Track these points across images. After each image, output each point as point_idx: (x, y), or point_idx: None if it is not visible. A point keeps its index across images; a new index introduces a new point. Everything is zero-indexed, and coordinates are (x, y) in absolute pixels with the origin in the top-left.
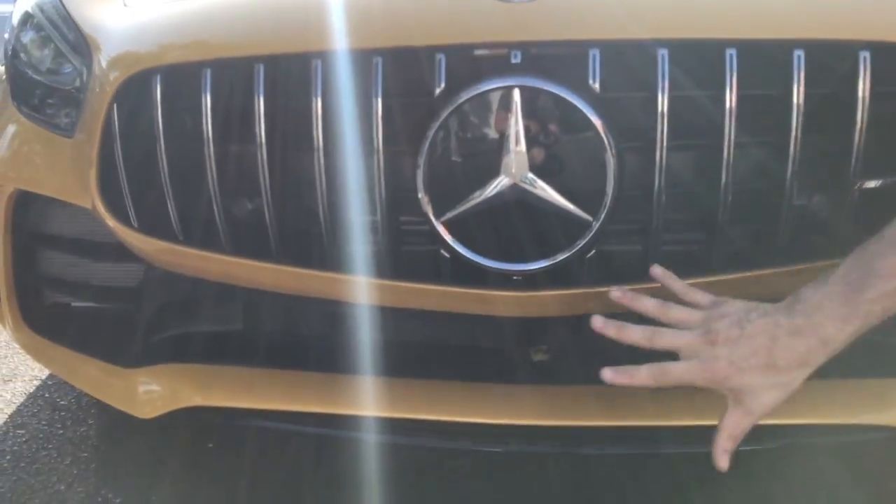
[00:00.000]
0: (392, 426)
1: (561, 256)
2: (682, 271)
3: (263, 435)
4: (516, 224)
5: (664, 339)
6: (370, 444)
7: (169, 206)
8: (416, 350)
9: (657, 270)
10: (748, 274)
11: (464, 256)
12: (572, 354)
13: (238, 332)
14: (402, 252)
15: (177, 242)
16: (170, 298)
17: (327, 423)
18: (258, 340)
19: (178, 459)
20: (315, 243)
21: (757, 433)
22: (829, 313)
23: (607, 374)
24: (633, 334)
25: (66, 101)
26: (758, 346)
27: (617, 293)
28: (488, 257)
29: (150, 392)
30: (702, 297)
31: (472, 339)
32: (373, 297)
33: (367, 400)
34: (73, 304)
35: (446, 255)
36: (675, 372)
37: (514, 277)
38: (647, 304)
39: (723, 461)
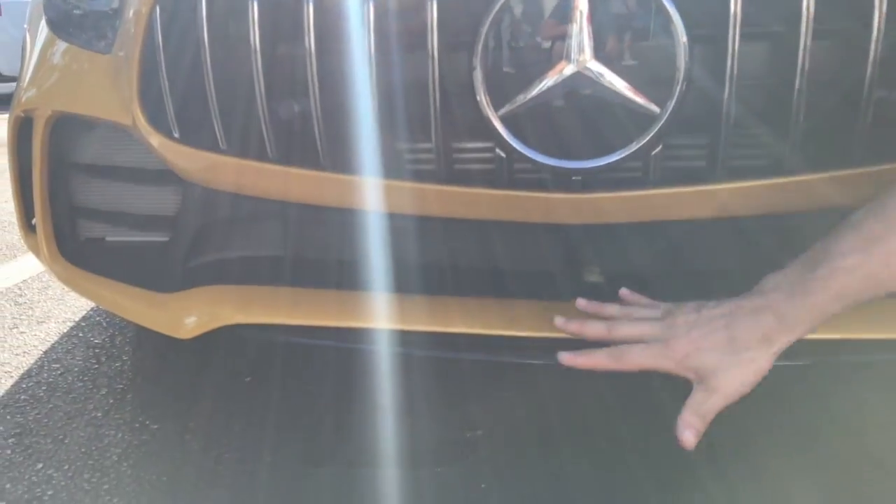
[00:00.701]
0: (434, 341)
1: (626, 152)
2: (754, 171)
3: (299, 368)
4: (578, 118)
5: (623, 329)
6: (411, 359)
7: (212, 114)
8: (459, 269)
9: (624, 291)
10: (825, 175)
11: (521, 154)
12: (629, 269)
13: (275, 254)
14: (454, 155)
15: (220, 152)
16: (208, 222)
17: (366, 338)
18: (297, 261)
19: (214, 391)
20: (363, 149)
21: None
22: (783, 291)
23: (564, 357)
24: (593, 329)
25: (104, 17)
26: (716, 325)
27: (582, 302)
28: (547, 155)
29: (190, 314)
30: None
31: (523, 259)
32: (422, 206)
33: (408, 314)
34: (108, 238)
35: (502, 154)
36: (633, 353)
37: (574, 177)
38: (611, 310)
39: (686, 436)
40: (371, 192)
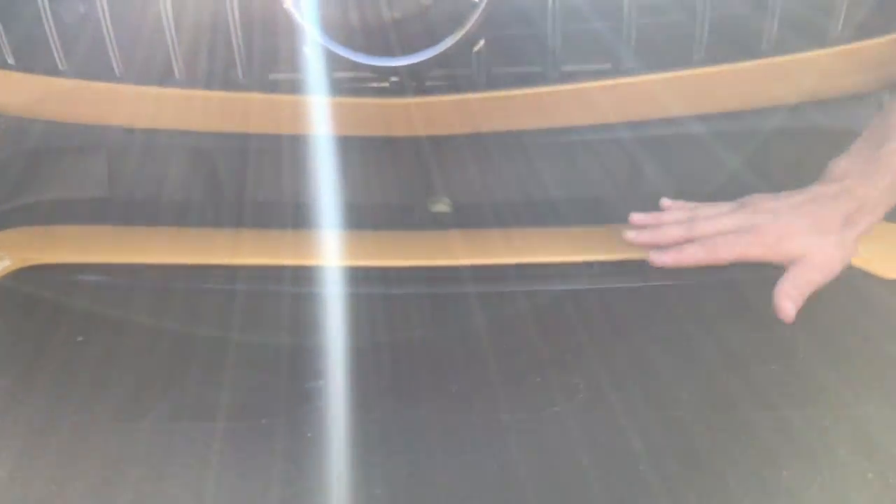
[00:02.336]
0: (261, 276)
1: (443, 46)
2: (588, 72)
3: (124, 324)
4: (391, 9)
5: (702, 226)
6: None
7: None
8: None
9: (666, 201)
10: (669, 75)
11: (330, 51)
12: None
13: (87, 193)
14: (258, 53)
15: (6, 67)
16: (9, 164)
17: (187, 276)
18: (109, 199)
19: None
20: (159, 56)
21: None
22: (856, 175)
23: (654, 257)
24: (671, 232)
25: None
26: (801, 210)
27: (637, 217)
28: (359, 52)
29: None
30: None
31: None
32: (236, 120)
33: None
34: None
35: (310, 53)
36: (726, 243)
37: (393, 78)
38: (675, 214)
39: (785, 306)
40: (173, 107)
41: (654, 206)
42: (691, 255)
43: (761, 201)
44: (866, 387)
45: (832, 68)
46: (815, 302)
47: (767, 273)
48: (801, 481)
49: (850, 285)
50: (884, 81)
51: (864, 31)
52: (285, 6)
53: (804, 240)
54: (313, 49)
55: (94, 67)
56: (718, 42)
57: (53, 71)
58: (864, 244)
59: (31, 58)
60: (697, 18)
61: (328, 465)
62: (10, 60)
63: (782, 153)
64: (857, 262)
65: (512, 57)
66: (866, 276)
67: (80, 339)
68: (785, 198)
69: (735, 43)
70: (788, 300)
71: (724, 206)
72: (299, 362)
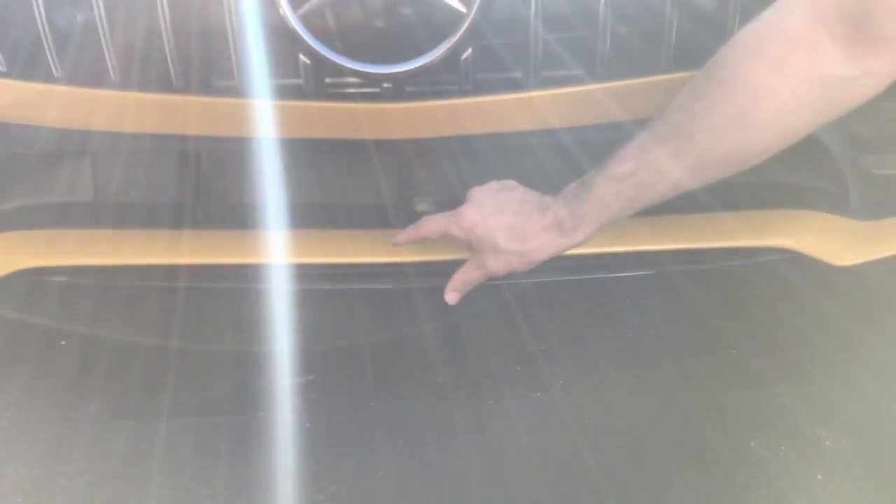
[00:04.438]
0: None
1: (433, 55)
2: (565, 80)
3: (115, 325)
4: (383, 20)
5: (420, 226)
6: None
7: None
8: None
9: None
10: (633, 81)
11: (326, 58)
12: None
13: (77, 197)
14: (259, 63)
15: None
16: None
17: (175, 276)
18: (97, 203)
19: (18, 358)
20: (157, 63)
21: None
22: (566, 197)
23: (393, 241)
24: (402, 237)
25: None
26: (507, 208)
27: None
28: (354, 59)
29: None
30: None
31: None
32: (231, 125)
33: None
34: None
35: (306, 60)
36: (428, 221)
37: (385, 84)
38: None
39: (450, 297)
40: (173, 114)
41: None
42: (404, 237)
43: (479, 191)
44: (822, 364)
45: None
46: (774, 288)
47: (737, 267)
48: (766, 450)
49: (804, 272)
50: None
51: None
52: (284, 17)
53: (495, 236)
54: (311, 57)
55: (88, 74)
56: (682, 52)
57: (47, 78)
58: (816, 236)
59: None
60: (665, 30)
61: (327, 450)
62: (3, 68)
63: None
64: (810, 250)
65: (496, 64)
66: (818, 263)
67: (63, 342)
68: (506, 192)
69: (698, 52)
70: (454, 293)
71: None
72: (294, 358)
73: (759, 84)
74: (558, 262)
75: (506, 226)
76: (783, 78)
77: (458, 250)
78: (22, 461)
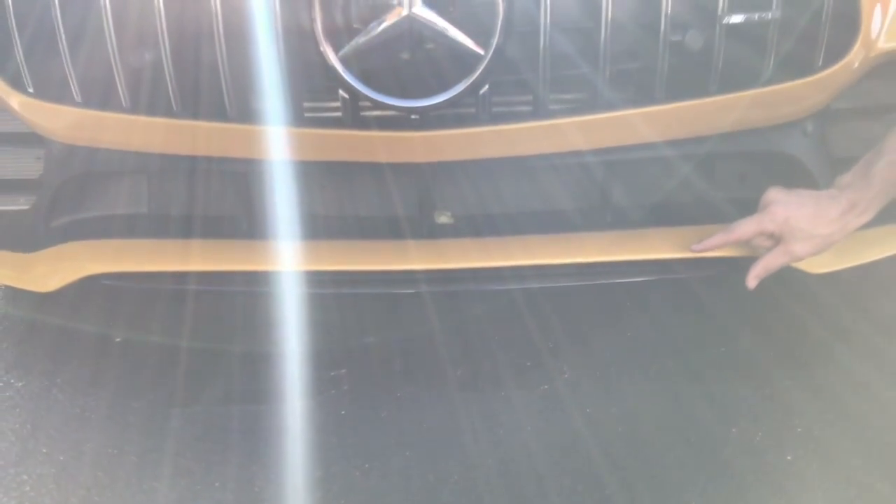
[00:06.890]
0: (300, 280)
1: (456, 90)
2: (573, 108)
3: (168, 323)
4: (412, 61)
5: (736, 227)
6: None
7: (65, 66)
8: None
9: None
10: (636, 111)
11: (362, 94)
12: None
13: (136, 209)
14: (302, 97)
15: (75, 105)
16: (68, 181)
17: (230, 281)
18: (155, 215)
19: (83, 352)
20: (214, 95)
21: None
22: (853, 184)
23: (694, 247)
24: (717, 239)
25: None
26: (805, 201)
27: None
28: (386, 94)
29: (51, 269)
30: None
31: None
32: (279, 150)
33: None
34: None
35: (346, 95)
36: (740, 224)
37: (413, 116)
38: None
39: (751, 282)
40: (228, 139)
41: (617, 216)
42: (715, 241)
43: (776, 191)
44: (794, 363)
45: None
46: (754, 294)
47: (708, 273)
48: (745, 439)
49: (782, 279)
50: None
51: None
52: (325, 57)
53: (799, 224)
54: (349, 92)
55: (153, 105)
56: (675, 83)
57: (116, 107)
58: None
59: (96, 97)
60: (658, 63)
61: (359, 433)
62: (79, 99)
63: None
64: None
65: (510, 97)
66: (796, 271)
67: (118, 339)
68: (797, 191)
69: (687, 86)
70: (756, 279)
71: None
72: (329, 355)
73: None
74: (568, 269)
75: (812, 215)
76: None
77: (472, 259)
78: (95, 441)
